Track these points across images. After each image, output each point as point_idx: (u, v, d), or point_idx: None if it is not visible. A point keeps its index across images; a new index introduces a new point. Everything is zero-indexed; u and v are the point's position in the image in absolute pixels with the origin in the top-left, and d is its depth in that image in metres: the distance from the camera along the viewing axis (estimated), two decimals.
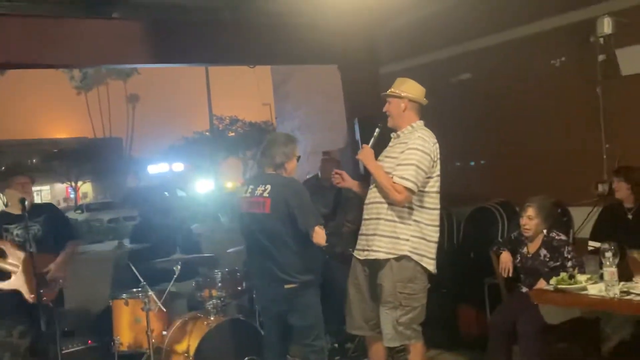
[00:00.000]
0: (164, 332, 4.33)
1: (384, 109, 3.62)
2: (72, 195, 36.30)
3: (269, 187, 3.34)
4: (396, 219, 3.43)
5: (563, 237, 3.98)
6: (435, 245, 3.53)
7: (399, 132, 3.61)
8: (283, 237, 3.31)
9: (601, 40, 4.77)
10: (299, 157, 3.51)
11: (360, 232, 3.66)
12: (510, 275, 4.06)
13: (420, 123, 3.61)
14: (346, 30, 6.27)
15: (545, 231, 3.98)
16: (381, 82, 6.60)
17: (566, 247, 3.89)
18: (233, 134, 36.02)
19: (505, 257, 4.06)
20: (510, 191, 5.59)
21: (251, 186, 3.47)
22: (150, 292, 4.17)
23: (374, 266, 3.51)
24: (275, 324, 3.53)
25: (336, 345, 4.89)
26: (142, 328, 4.24)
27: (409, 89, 3.60)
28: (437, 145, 3.52)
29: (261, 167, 3.49)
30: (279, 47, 6.26)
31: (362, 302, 3.61)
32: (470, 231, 5.80)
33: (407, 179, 3.34)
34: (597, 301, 3.23)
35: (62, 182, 34.91)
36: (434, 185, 3.51)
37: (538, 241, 4.00)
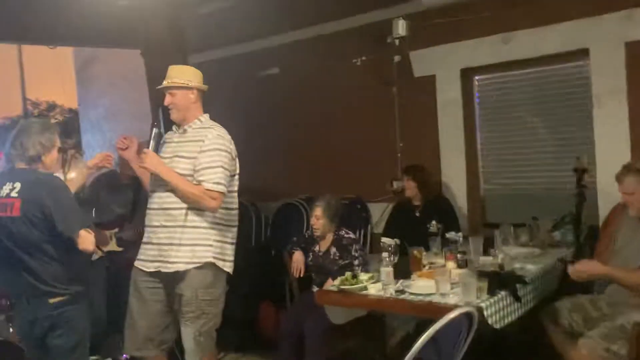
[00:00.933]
0: None
1: (166, 102, 3.28)
2: None
3: (18, 185, 2.86)
4: (200, 224, 3.17)
5: (352, 235, 4.01)
6: (233, 247, 3.34)
7: (185, 127, 3.30)
8: (38, 244, 2.85)
9: (397, 41, 4.90)
10: (61, 149, 3.06)
11: (145, 240, 3.31)
12: (302, 274, 4.00)
13: (207, 116, 3.36)
14: (150, 13, 5.85)
15: (335, 230, 3.98)
16: None
17: (354, 245, 3.92)
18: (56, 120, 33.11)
19: (297, 257, 4.00)
20: (315, 187, 5.60)
21: None
22: None
23: (169, 277, 3.20)
24: (38, 348, 3.03)
25: None
26: None
27: (196, 78, 3.31)
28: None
29: (11, 162, 2.98)
30: (78, 26, 5.68)
31: (146, 318, 3.29)
32: (278, 227, 5.74)
33: (219, 184, 3.10)
34: (374, 301, 3.26)
35: None
36: (235, 184, 3.30)
37: (329, 239, 3.99)
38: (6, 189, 2.87)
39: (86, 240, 2.83)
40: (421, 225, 4.39)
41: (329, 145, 5.65)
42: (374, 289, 3.30)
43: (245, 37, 6.07)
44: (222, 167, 3.12)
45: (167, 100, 3.27)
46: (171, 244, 3.17)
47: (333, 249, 3.95)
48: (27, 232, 2.83)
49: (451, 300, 3.01)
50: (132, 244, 4.46)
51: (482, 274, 3.17)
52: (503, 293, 3.11)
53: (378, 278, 3.41)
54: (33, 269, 2.89)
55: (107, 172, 5.66)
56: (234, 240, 3.35)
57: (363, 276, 3.45)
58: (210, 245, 3.18)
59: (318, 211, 3.93)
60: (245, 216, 5.77)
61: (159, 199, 3.25)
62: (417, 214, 4.56)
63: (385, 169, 5.16)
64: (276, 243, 5.44)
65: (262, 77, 6.07)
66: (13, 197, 2.83)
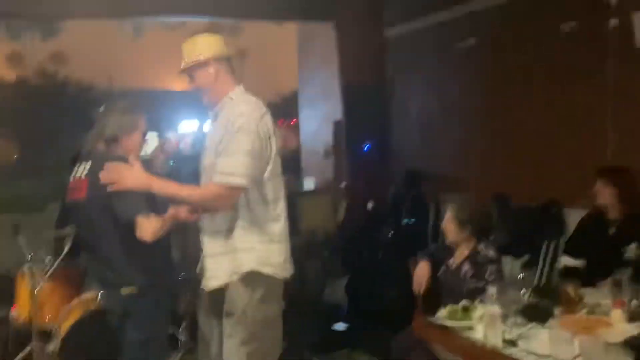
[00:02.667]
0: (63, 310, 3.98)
1: (191, 87, 2.63)
2: None
3: (88, 165, 2.75)
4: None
5: (491, 252, 3.10)
6: (282, 246, 2.59)
7: (216, 110, 2.62)
8: (105, 229, 2.70)
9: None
10: (146, 134, 2.86)
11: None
12: (422, 292, 3.23)
13: (240, 89, 2.62)
14: None
15: (475, 241, 3.13)
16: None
17: (490, 266, 3.01)
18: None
19: (421, 268, 3.24)
20: (502, 182, 4.68)
21: (75, 167, 2.86)
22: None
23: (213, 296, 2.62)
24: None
25: None
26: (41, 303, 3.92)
27: (210, 46, 2.57)
28: (268, 114, 2.56)
29: (90, 142, 2.88)
30: None
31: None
32: None
33: (233, 174, 2.43)
34: (470, 348, 2.42)
35: None
36: (272, 169, 2.55)
37: (463, 253, 3.15)
38: (79, 169, 2.78)
39: (142, 227, 2.59)
40: (615, 247, 3.26)
41: (522, 132, 4.63)
42: (482, 332, 2.45)
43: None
44: (242, 152, 2.43)
45: (190, 85, 2.65)
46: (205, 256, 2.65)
47: (466, 266, 3.11)
48: (94, 215, 2.71)
49: None
50: None
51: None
52: None
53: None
54: (103, 256, 2.75)
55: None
56: (282, 238, 2.60)
57: (479, 310, 2.60)
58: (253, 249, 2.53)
59: (449, 213, 3.13)
60: (420, 209, 5.13)
61: None
62: (611, 232, 3.40)
63: (591, 167, 3.99)
64: None
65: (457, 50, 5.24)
66: (82, 179, 2.74)
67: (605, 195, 3.40)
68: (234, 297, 2.49)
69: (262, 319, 2.50)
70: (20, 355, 3.99)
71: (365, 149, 5.28)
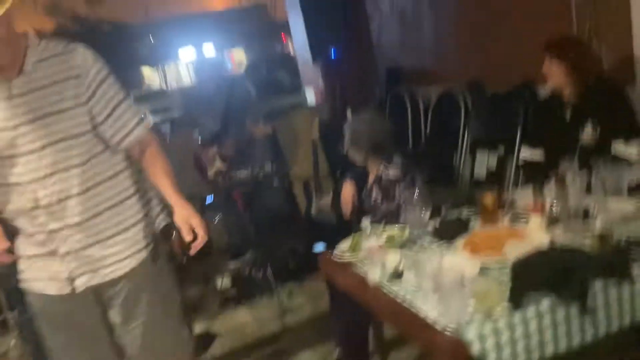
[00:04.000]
0: None
1: None
2: None
3: None
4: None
5: (393, 171, 2.72)
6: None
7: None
8: None
9: None
10: None
11: None
12: (350, 216, 2.94)
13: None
14: None
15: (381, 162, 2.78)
16: None
17: (397, 185, 2.67)
18: None
19: (345, 190, 2.93)
20: (479, 67, 4.20)
21: None
22: None
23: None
24: None
25: None
26: None
27: None
28: None
29: None
30: None
31: None
32: (436, 125, 4.54)
33: None
34: (357, 287, 2.16)
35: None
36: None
37: (372, 174, 2.82)
38: None
39: None
40: (571, 132, 2.84)
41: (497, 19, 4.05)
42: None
43: None
44: None
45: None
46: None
47: (375, 189, 2.79)
48: None
49: (431, 311, 1.77)
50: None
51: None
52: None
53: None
54: None
55: None
56: None
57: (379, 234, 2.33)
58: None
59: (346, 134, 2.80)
60: (399, 106, 4.74)
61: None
62: (567, 116, 2.94)
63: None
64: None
65: None
66: None
67: (555, 73, 2.92)
68: None
69: None
70: None
71: (332, 55, 4.87)
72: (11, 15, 1.73)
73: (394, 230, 2.38)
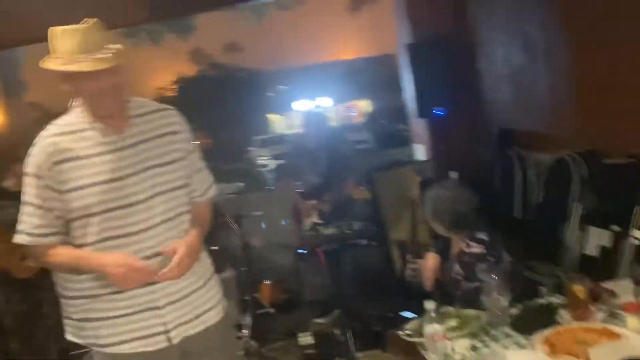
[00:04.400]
0: None
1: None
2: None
3: None
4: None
5: (477, 249, 2.45)
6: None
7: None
8: None
9: None
10: None
11: None
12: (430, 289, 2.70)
13: None
14: None
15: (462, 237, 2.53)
16: None
17: (479, 265, 2.40)
18: None
19: (428, 262, 2.71)
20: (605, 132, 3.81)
21: None
22: None
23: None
24: None
25: None
26: None
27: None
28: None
29: None
30: None
31: None
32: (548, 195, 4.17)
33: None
34: None
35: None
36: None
37: (455, 249, 2.58)
38: None
39: None
40: None
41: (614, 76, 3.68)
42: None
43: None
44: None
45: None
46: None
47: (457, 266, 2.54)
48: None
49: None
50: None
51: None
52: None
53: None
54: None
55: None
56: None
57: (453, 319, 2.11)
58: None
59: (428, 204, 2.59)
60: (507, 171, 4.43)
61: None
62: None
63: None
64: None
65: None
66: None
67: None
68: None
69: None
70: None
71: (439, 112, 4.70)
72: (122, 65, 1.80)
73: (469, 314, 2.15)
